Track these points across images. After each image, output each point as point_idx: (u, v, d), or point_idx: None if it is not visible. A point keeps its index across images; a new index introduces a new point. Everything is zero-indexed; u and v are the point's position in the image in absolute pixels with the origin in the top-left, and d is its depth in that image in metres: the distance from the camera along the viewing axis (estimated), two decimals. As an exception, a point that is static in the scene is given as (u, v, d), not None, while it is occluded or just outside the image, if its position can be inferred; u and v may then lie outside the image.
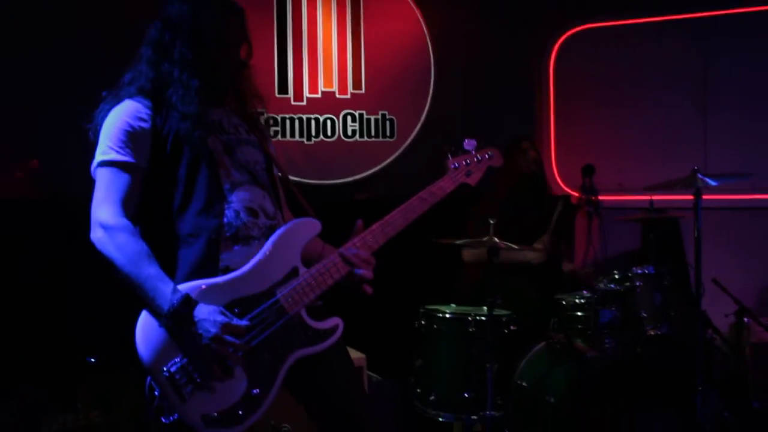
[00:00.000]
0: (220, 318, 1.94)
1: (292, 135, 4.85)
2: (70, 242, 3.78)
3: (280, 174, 2.35)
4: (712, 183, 3.58)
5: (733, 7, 5.16)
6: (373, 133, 5.00)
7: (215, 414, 1.95)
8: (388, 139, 5.03)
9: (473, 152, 2.44)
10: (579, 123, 5.41)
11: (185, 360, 1.94)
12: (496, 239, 3.40)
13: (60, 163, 4.21)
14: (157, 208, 2.08)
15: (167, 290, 1.93)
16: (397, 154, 5.04)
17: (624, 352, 3.58)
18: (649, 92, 5.32)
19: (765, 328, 4.31)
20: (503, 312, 3.58)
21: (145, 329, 1.96)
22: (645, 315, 3.54)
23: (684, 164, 3.79)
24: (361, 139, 4.98)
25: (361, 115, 4.98)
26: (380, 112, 5.01)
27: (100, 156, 2.07)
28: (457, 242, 3.59)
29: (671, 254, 4.78)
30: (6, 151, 4.21)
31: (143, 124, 2.08)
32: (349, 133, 4.96)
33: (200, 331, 1.92)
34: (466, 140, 2.44)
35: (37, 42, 4.22)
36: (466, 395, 3.42)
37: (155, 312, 1.94)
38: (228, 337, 1.93)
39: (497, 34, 5.27)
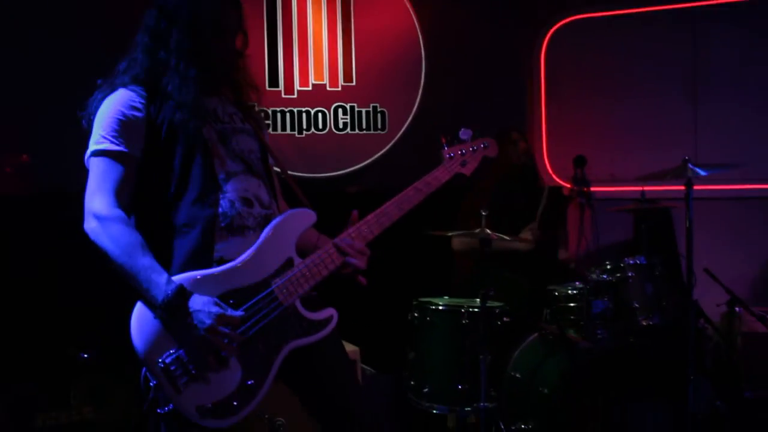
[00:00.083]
0: (214, 309, 1.93)
1: (284, 128, 4.84)
2: (61, 238, 3.78)
3: (277, 166, 2.35)
4: (703, 173, 3.59)
5: (723, -3, 5.17)
6: (364, 126, 4.99)
7: (210, 405, 1.95)
8: (379, 132, 5.02)
9: (469, 142, 2.44)
10: (570, 114, 5.41)
11: (180, 351, 1.93)
12: (488, 230, 3.40)
13: (50, 158, 4.20)
14: (152, 197, 2.07)
15: (161, 281, 1.92)
16: (388, 146, 5.03)
17: (616, 342, 3.59)
18: (640, 82, 5.32)
19: (756, 318, 4.33)
20: (496, 304, 3.58)
21: (140, 320, 1.95)
22: (637, 305, 3.55)
23: (675, 154, 3.80)
24: (353, 132, 4.97)
25: (352, 108, 4.97)
26: (371, 105, 5.00)
27: (93, 145, 2.06)
28: (449, 234, 3.60)
29: (663, 244, 4.80)
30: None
31: (137, 113, 2.06)
32: (341, 125, 4.95)
33: (195, 323, 1.92)
34: (462, 130, 2.43)
35: (36, 41, 4.20)
36: (459, 387, 3.42)
37: (150, 303, 1.94)
38: (222, 328, 1.93)
39: (488, 25, 5.26)
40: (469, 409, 3.44)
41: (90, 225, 1.99)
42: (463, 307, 3.51)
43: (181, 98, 2.07)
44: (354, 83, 4.98)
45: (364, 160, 5.00)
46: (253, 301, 2.02)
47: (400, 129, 5.05)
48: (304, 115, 4.88)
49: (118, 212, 2.00)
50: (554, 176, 5.40)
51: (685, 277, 3.62)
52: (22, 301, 3.91)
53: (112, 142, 2.04)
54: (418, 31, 5.10)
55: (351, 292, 2.36)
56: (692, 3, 5.25)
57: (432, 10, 5.13)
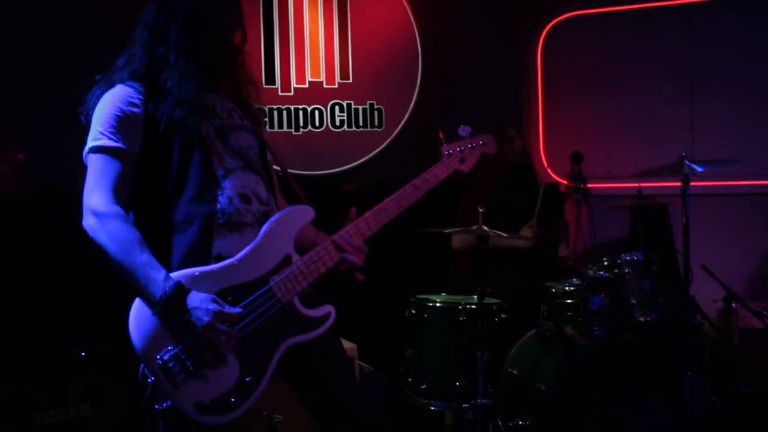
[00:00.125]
0: (212, 306, 1.93)
1: (280, 126, 4.83)
2: (58, 236, 3.78)
3: (276, 163, 2.34)
4: (699, 169, 3.60)
5: (720, -7, 5.18)
6: (361, 123, 4.99)
7: (208, 401, 1.96)
8: (376, 129, 5.02)
9: (468, 138, 2.43)
10: (567, 110, 5.41)
11: (178, 348, 1.94)
12: (485, 227, 3.40)
13: (47, 157, 4.19)
14: (150, 194, 2.07)
15: (159, 278, 1.93)
16: (385, 143, 5.03)
17: (613, 338, 3.60)
18: (637, 79, 5.33)
19: (753, 314, 4.35)
20: (493, 300, 3.58)
21: (139, 317, 1.95)
22: (634, 301, 3.56)
23: (672, 150, 3.81)
24: (349, 129, 4.97)
25: (349, 105, 4.96)
26: (368, 102, 5.00)
27: (91, 142, 2.05)
28: (446, 231, 3.60)
29: (660, 241, 4.80)
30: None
31: (135, 110, 2.06)
32: (337, 123, 4.94)
33: (193, 320, 1.92)
34: (461, 126, 2.43)
35: (36, 41, 4.20)
36: (457, 384, 3.43)
37: (148, 300, 1.94)
38: (221, 326, 1.93)
39: (484, 22, 5.26)
40: (466, 405, 3.44)
41: (88, 222, 1.99)
42: (460, 304, 3.52)
43: (181, 94, 2.06)
44: (351, 80, 4.98)
45: (361, 158, 5.00)
46: (252, 298, 2.03)
47: (397, 126, 5.05)
48: (300, 112, 4.87)
49: (116, 209, 2.00)
50: (551, 173, 5.40)
51: (682, 274, 3.63)
52: (19, 300, 3.90)
53: (110, 139, 2.03)
54: (415, 28, 5.10)
55: (348, 290, 2.36)
56: (689, -1, 5.26)
57: (429, 7, 5.13)
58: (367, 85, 5.00)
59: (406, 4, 5.08)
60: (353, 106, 4.97)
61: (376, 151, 5.02)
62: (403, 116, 5.06)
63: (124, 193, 2.04)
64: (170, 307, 1.91)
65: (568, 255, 4.24)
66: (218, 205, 2.07)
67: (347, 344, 3.55)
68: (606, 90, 5.37)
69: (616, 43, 5.35)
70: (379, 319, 4.16)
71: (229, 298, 1.99)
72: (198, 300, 1.93)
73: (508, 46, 5.40)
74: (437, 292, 3.88)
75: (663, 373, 3.62)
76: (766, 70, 5.18)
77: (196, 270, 1.99)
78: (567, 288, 3.73)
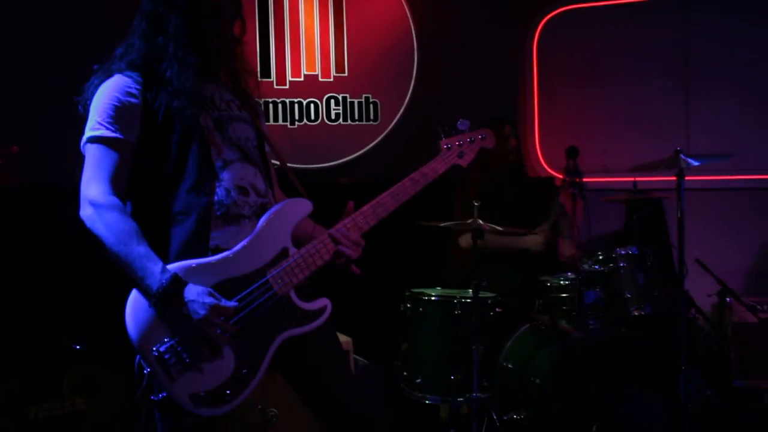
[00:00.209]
0: (209, 300, 1.93)
1: (275, 119, 4.82)
2: (53, 228, 3.77)
3: (274, 156, 2.34)
4: (695, 163, 3.60)
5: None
6: (356, 117, 4.98)
7: (203, 393, 1.96)
8: (371, 123, 5.01)
9: (466, 132, 2.43)
10: (563, 104, 5.41)
11: (174, 340, 1.94)
12: (480, 221, 3.40)
13: (41, 150, 4.18)
14: (148, 185, 2.06)
15: (156, 270, 1.92)
16: (381, 137, 5.02)
17: (608, 332, 3.61)
18: (632, 73, 5.33)
19: (747, 308, 4.36)
20: (488, 294, 3.59)
21: (135, 308, 1.95)
22: (629, 296, 3.57)
23: (667, 144, 3.81)
24: (345, 123, 4.96)
25: (344, 99, 4.95)
26: (364, 96, 4.99)
27: (89, 132, 2.05)
28: (442, 225, 3.60)
29: (655, 235, 4.82)
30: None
31: (133, 100, 2.05)
32: (333, 116, 4.93)
33: (189, 313, 1.92)
34: (459, 120, 2.42)
35: (35, 40, 4.18)
36: (452, 377, 3.43)
37: (144, 291, 1.94)
38: (217, 319, 1.93)
39: (480, 15, 5.25)
40: (461, 399, 3.45)
41: (86, 212, 1.99)
42: (455, 297, 3.52)
43: (180, 85, 2.05)
44: (346, 74, 4.97)
45: (357, 151, 4.99)
46: (248, 290, 2.03)
47: (393, 120, 5.04)
48: (296, 106, 4.86)
49: (114, 200, 1.99)
50: (546, 167, 5.41)
51: (677, 268, 3.63)
52: (13, 293, 3.89)
53: (108, 129, 2.02)
54: (411, 21, 5.09)
55: (344, 283, 2.36)
56: (683, -7, 5.26)
57: (425, 1, 5.12)
58: (362, 78, 4.99)
59: (402, -3, 5.07)
60: (349, 100, 4.96)
61: (371, 145, 5.01)
62: (399, 110, 5.05)
63: (121, 183, 2.04)
64: (167, 300, 1.91)
65: (573, 254, 4.18)
66: (216, 197, 2.06)
67: (343, 338, 3.55)
68: (602, 84, 5.37)
69: (612, 38, 5.35)
70: (374, 312, 4.16)
71: (226, 291, 1.99)
72: (195, 293, 1.93)
73: (504, 40, 5.39)
74: (432, 286, 3.88)
75: (657, 367, 3.63)
76: (761, 65, 5.19)
77: (192, 262, 1.99)
78: (562, 282, 3.74)
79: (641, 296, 3.58)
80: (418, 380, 3.51)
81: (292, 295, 2.10)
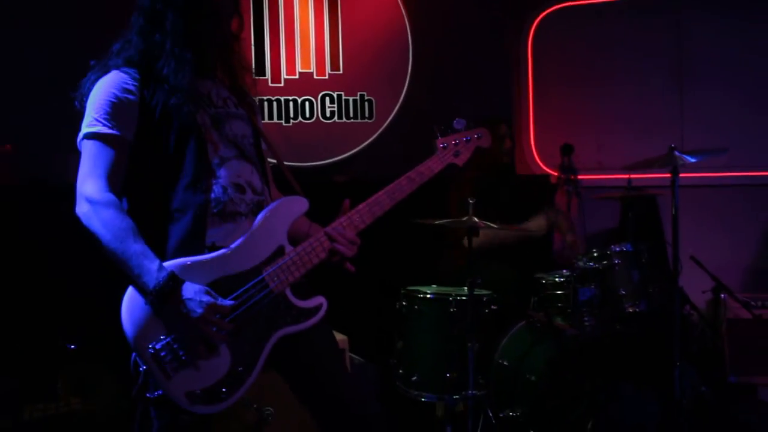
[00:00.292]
0: (205, 298, 1.93)
1: (270, 117, 4.82)
2: (47, 228, 3.76)
3: (272, 155, 2.34)
4: (689, 160, 3.61)
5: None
6: (351, 115, 4.98)
7: (199, 391, 1.96)
8: (366, 121, 5.01)
9: (462, 131, 2.43)
10: (557, 102, 5.42)
11: (170, 337, 1.93)
12: (475, 219, 3.40)
13: (35, 149, 4.17)
14: (145, 182, 2.06)
15: (153, 267, 1.92)
16: (376, 135, 5.02)
17: (603, 329, 3.61)
18: (627, 70, 5.34)
19: (741, 304, 4.38)
20: (484, 292, 3.59)
21: (131, 306, 1.95)
22: (623, 292, 3.57)
23: (661, 141, 3.82)
24: (340, 121, 4.96)
25: (339, 97, 4.95)
26: (359, 93, 4.99)
27: (85, 128, 2.04)
28: (437, 222, 3.60)
29: (649, 232, 4.82)
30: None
31: (130, 96, 2.04)
32: (328, 114, 4.93)
33: (186, 311, 1.92)
34: (456, 119, 2.42)
35: (35, 39, 4.17)
36: (447, 375, 3.43)
37: (141, 289, 1.93)
38: (213, 317, 1.93)
39: (475, 13, 5.25)
40: (457, 397, 3.45)
41: (82, 209, 1.98)
42: (450, 295, 3.52)
43: (177, 82, 2.05)
44: (341, 71, 4.97)
45: (352, 149, 4.99)
46: (244, 288, 2.02)
47: (388, 117, 5.04)
48: (291, 103, 4.86)
49: (110, 196, 1.98)
50: (541, 164, 5.41)
51: (671, 264, 3.64)
52: (7, 292, 3.88)
53: (104, 125, 2.02)
54: (406, 19, 5.08)
55: (340, 281, 2.36)
56: (677, -9, 5.27)
57: (419, -2, 5.13)
58: (357, 76, 4.99)
59: (396, -6, 5.07)
60: (344, 98, 4.96)
61: (366, 143, 5.01)
62: (394, 107, 5.05)
63: (118, 180, 2.03)
64: (163, 297, 1.91)
65: (574, 240, 4.17)
66: (212, 195, 2.06)
67: (338, 336, 3.55)
68: (596, 82, 5.38)
69: (607, 35, 5.36)
70: (369, 310, 4.16)
71: (222, 289, 1.99)
72: (192, 291, 1.93)
73: (499, 38, 5.39)
74: (428, 284, 3.88)
75: (652, 363, 3.64)
76: (754, 62, 5.21)
77: (189, 259, 1.98)
78: (557, 279, 3.75)
79: (636, 293, 3.59)
80: (414, 378, 3.51)
81: (288, 293, 2.10)
